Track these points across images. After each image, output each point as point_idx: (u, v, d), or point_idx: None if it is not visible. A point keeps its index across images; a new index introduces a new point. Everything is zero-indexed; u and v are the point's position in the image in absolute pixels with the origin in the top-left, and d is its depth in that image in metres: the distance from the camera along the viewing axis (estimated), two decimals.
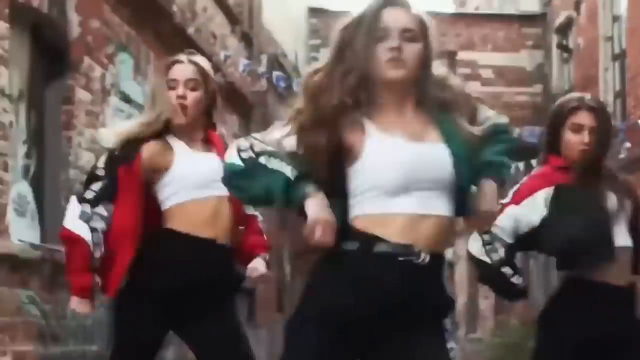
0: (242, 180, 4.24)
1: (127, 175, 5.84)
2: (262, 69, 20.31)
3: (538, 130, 23.33)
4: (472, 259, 5.96)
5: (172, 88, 5.89)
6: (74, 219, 5.94)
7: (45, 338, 10.81)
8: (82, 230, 5.88)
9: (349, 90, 4.20)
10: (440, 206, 4.20)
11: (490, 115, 4.46)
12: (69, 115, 11.87)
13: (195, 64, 6.02)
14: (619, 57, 24.06)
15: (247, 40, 20.35)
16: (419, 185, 4.14)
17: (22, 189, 10.97)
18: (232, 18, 19.20)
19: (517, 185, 5.89)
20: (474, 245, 5.85)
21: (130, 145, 5.84)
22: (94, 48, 12.50)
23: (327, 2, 28.74)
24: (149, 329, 6.01)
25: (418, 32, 4.31)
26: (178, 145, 5.95)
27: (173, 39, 15.37)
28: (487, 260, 5.83)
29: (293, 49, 25.54)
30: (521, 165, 23.62)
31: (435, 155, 4.22)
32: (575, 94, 6.37)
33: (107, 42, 13.00)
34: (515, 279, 5.83)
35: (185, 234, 5.87)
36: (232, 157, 4.24)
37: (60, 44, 11.80)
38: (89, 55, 12.32)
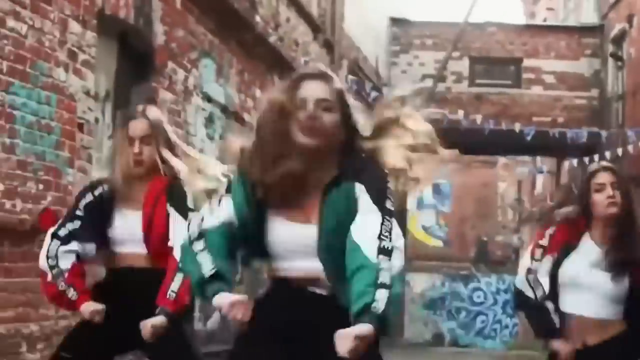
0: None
1: None
2: (344, 73, 20.31)
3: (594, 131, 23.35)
4: (515, 291, 5.90)
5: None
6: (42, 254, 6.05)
7: None
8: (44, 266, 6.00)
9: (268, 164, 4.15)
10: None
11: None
12: None
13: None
14: None
15: (328, 47, 20.27)
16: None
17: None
18: (315, 27, 19.18)
19: (552, 230, 5.81)
20: (518, 278, 5.80)
21: None
22: (177, 54, 12.57)
23: (408, 12, 28.67)
24: None
25: (335, 103, 4.18)
26: None
27: (255, 46, 15.40)
28: (531, 294, 5.78)
29: (374, 55, 25.46)
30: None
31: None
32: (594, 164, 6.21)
33: (190, 49, 13.04)
34: (556, 317, 5.73)
35: None
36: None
37: (146, 51, 11.86)
38: (172, 60, 12.40)
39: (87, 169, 10.17)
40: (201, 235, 4.20)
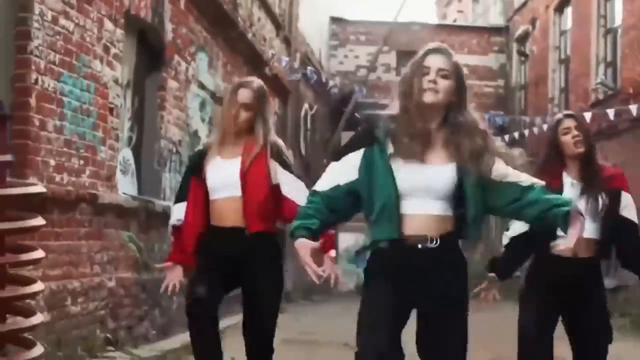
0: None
1: None
2: (297, 64, 20.27)
3: (501, 114, 23.55)
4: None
5: None
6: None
7: (140, 267, 10.80)
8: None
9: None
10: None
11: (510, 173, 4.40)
12: (162, 99, 11.85)
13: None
14: (564, 61, 24.23)
15: (287, 42, 20.28)
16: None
17: (127, 154, 10.91)
18: (277, 25, 19.16)
19: None
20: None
21: None
22: (181, 48, 12.46)
23: (346, 12, 28.77)
24: None
25: (451, 72, 4.36)
26: None
27: (237, 42, 15.33)
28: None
29: (318, 48, 25.49)
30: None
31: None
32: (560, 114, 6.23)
33: (190, 44, 12.92)
34: None
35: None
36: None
37: (158, 45, 11.75)
38: (177, 54, 12.30)
39: (116, 147, 10.07)
40: (314, 193, 4.38)
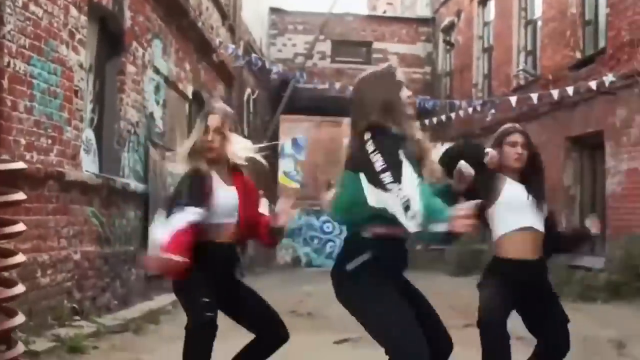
0: None
1: None
2: (241, 51, 20.19)
3: (428, 98, 23.67)
4: None
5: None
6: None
7: (102, 241, 10.73)
8: None
9: None
10: None
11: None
12: (121, 83, 11.75)
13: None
14: (487, 50, 24.40)
15: (232, 30, 20.18)
16: None
17: (89, 134, 10.84)
18: (223, 14, 19.02)
19: None
20: None
21: None
22: (139, 35, 12.34)
23: (284, 3, 28.71)
24: None
25: None
26: None
27: (188, 30, 15.25)
28: None
29: (259, 37, 25.43)
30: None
31: None
32: (508, 124, 6.10)
33: (147, 32, 12.79)
34: None
35: None
36: None
37: (118, 32, 11.63)
38: (135, 40, 12.18)
39: (80, 128, 9.98)
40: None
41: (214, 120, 5.58)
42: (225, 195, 5.51)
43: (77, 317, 9.37)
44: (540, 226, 5.63)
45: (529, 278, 5.60)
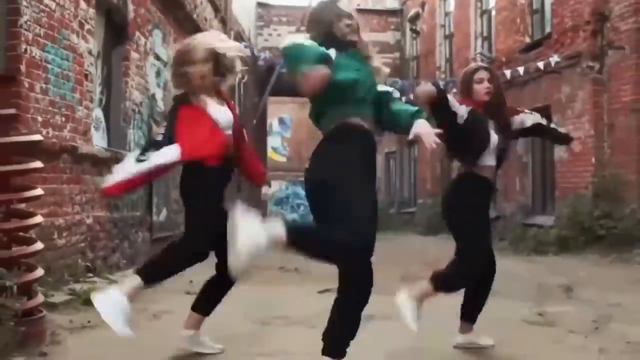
0: None
1: None
2: (232, 40, 20.06)
3: (398, 80, 23.63)
4: None
5: None
6: None
7: (111, 207, 10.71)
8: None
9: None
10: None
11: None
12: (126, 68, 11.66)
13: None
14: (448, 37, 24.44)
15: (223, 22, 20.04)
16: None
17: (98, 113, 10.76)
18: (216, 7, 18.87)
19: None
20: None
21: None
22: (141, 26, 12.25)
23: None
24: None
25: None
26: None
27: (184, 21, 15.15)
28: None
29: (247, 28, 25.30)
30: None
31: None
32: (473, 64, 6.07)
33: (148, 22, 12.71)
34: None
35: None
36: None
37: (122, 23, 11.53)
38: (138, 30, 12.09)
39: (90, 107, 9.90)
40: None
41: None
42: (223, 110, 5.44)
43: (90, 274, 9.35)
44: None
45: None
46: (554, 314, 7.35)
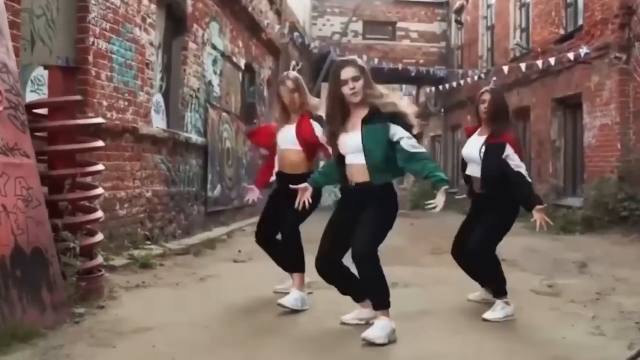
0: None
1: None
2: (286, 30, 20.43)
3: (443, 68, 23.76)
4: None
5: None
6: None
7: (169, 182, 11.14)
8: None
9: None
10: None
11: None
12: (184, 57, 12.01)
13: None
14: (490, 28, 24.30)
15: (278, 14, 20.33)
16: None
17: (158, 98, 11.13)
18: (271, 0, 19.17)
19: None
20: None
21: None
22: (198, 18, 12.61)
23: None
24: None
25: (359, 74, 4.92)
26: None
27: (240, 13, 15.45)
28: None
29: (302, 19, 25.58)
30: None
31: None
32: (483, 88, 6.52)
33: (205, 15, 13.08)
34: None
35: None
36: None
37: (182, 16, 11.89)
38: (196, 22, 12.45)
39: (150, 93, 10.28)
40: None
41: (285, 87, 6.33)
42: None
43: (148, 242, 9.75)
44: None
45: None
46: (561, 286, 7.52)
